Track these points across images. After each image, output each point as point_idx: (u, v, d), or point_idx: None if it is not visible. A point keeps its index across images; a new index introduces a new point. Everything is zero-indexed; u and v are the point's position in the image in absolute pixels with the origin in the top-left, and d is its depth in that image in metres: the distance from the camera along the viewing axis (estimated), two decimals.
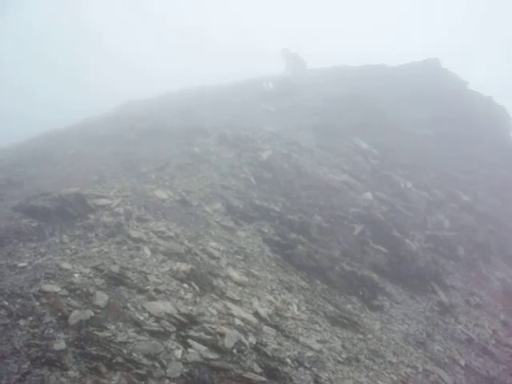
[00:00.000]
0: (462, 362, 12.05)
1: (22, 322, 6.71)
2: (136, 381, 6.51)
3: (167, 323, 7.75)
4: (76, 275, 8.14)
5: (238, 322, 8.74)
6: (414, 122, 27.91)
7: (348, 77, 32.73)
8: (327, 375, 8.82)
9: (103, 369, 6.44)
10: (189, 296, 8.83)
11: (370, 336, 10.98)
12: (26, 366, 6.05)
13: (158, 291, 8.54)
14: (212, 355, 7.54)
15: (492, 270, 18.28)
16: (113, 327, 7.19)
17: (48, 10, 79.73)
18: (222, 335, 8.07)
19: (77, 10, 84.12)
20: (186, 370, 7.03)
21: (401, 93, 31.26)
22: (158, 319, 7.76)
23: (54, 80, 58.07)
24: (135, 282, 8.57)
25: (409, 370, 10.47)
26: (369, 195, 17.76)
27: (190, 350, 7.44)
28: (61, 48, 72.57)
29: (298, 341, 9.29)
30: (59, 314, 7.05)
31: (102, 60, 69.98)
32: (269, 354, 8.39)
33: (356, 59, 38.60)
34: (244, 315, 9.06)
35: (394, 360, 10.54)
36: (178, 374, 6.93)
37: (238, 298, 9.60)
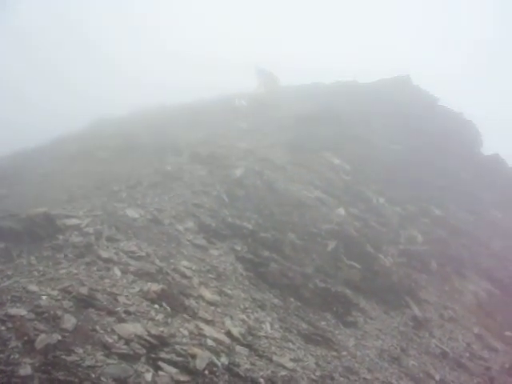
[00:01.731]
0: (437, 377, 12.05)
1: None
2: None
3: (137, 345, 7.58)
4: (43, 298, 7.94)
5: (210, 342, 8.60)
6: (385, 137, 28.22)
7: (320, 93, 33.02)
8: None
9: None
10: (160, 317, 8.68)
11: (344, 353, 10.91)
12: None
13: (128, 313, 8.38)
14: (183, 377, 7.39)
15: (465, 283, 18.43)
16: (81, 351, 7.01)
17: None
18: (194, 356, 7.92)
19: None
20: None
21: (372, 108, 31.60)
22: (127, 341, 7.58)
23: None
24: (104, 303, 8.40)
25: None
26: (341, 211, 17.82)
27: (160, 372, 7.28)
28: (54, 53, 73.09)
29: (271, 360, 9.17)
30: (25, 338, 6.84)
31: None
32: (241, 374, 8.26)
33: (328, 76, 39.14)
34: (216, 335, 8.93)
35: (369, 377, 10.47)
36: None
37: (210, 318, 9.47)
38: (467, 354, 13.82)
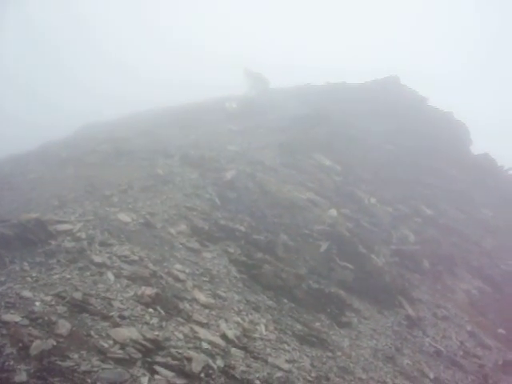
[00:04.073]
0: (431, 375, 12.11)
1: None
2: None
3: (132, 350, 7.56)
4: (37, 303, 7.91)
5: (205, 345, 8.60)
6: (375, 137, 28.30)
7: (310, 95, 33.07)
8: None
9: None
10: (154, 321, 8.66)
11: (339, 353, 10.94)
12: None
13: (122, 317, 8.35)
14: (179, 381, 7.38)
15: (457, 282, 18.52)
16: (76, 356, 6.98)
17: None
18: (190, 360, 7.91)
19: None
20: None
21: (362, 109, 31.70)
22: (122, 346, 7.56)
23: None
24: (99, 308, 8.37)
25: None
26: (333, 212, 17.84)
27: (156, 376, 7.27)
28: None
29: (266, 361, 9.18)
30: (20, 344, 6.81)
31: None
32: (237, 376, 8.26)
33: (319, 76, 39.27)
34: (211, 338, 8.92)
35: (364, 376, 10.52)
36: None
37: (204, 321, 9.46)
38: (461, 352, 13.90)
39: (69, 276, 9.13)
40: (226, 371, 8.23)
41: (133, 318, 8.46)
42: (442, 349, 13.58)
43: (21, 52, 72.22)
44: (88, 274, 9.43)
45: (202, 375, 7.78)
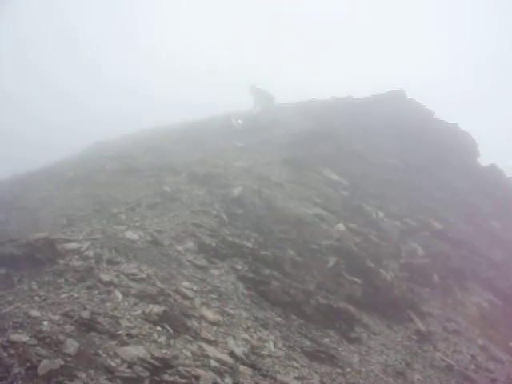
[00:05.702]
0: None
1: None
2: None
3: (140, 368, 7.54)
4: (45, 323, 7.92)
5: (213, 363, 8.56)
6: (382, 151, 28.30)
7: (315, 110, 33.18)
8: None
9: None
10: (162, 339, 8.65)
11: (348, 369, 10.85)
12: None
13: (130, 335, 8.35)
14: None
15: (467, 295, 18.40)
16: (84, 375, 6.98)
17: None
18: (197, 378, 7.89)
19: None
20: None
21: (368, 123, 31.75)
22: (130, 365, 7.55)
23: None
24: (107, 327, 8.37)
25: None
26: (341, 226, 17.79)
27: None
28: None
29: (275, 379, 9.12)
30: (28, 364, 6.82)
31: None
32: None
33: (323, 93, 39.42)
34: (219, 356, 8.89)
35: None
36: None
37: (212, 338, 9.43)
38: (472, 367, 13.77)
39: (77, 295, 9.14)
40: None
41: (140, 337, 8.45)
42: (453, 363, 13.45)
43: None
44: (96, 292, 9.44)
45: None
